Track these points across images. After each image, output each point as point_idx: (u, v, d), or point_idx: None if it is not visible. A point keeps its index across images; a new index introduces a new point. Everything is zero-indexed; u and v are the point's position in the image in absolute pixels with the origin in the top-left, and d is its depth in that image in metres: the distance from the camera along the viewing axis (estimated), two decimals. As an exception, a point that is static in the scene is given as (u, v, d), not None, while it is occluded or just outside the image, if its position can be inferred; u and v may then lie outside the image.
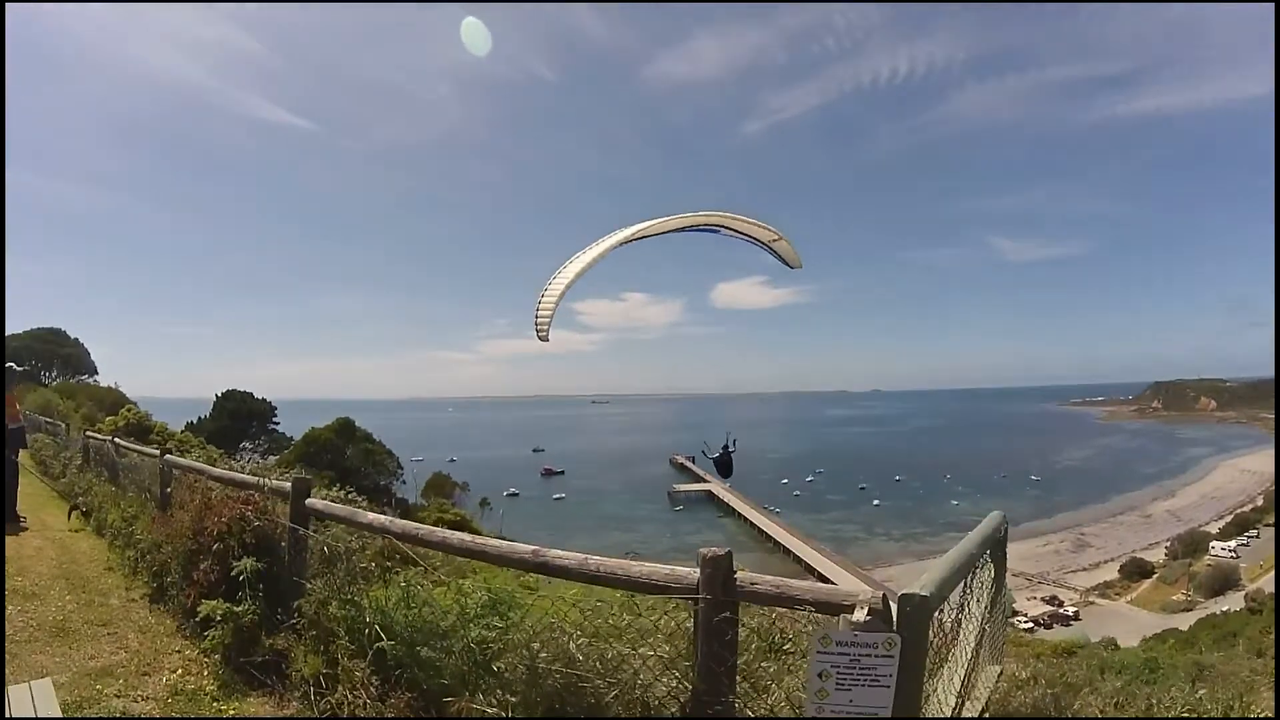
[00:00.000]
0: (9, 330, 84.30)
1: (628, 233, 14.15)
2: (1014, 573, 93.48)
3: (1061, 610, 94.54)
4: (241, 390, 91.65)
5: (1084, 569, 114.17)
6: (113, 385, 70.63)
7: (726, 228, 14.94)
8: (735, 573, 4.86)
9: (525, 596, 6.84)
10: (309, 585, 8.22)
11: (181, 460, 15.07)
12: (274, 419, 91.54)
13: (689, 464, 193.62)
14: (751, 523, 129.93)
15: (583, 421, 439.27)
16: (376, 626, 7.05)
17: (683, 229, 14.89)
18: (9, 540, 14.79)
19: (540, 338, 14.29)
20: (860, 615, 4.12)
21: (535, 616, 6.29)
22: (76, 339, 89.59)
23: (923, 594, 4.09)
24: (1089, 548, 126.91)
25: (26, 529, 16.51)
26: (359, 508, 21.04)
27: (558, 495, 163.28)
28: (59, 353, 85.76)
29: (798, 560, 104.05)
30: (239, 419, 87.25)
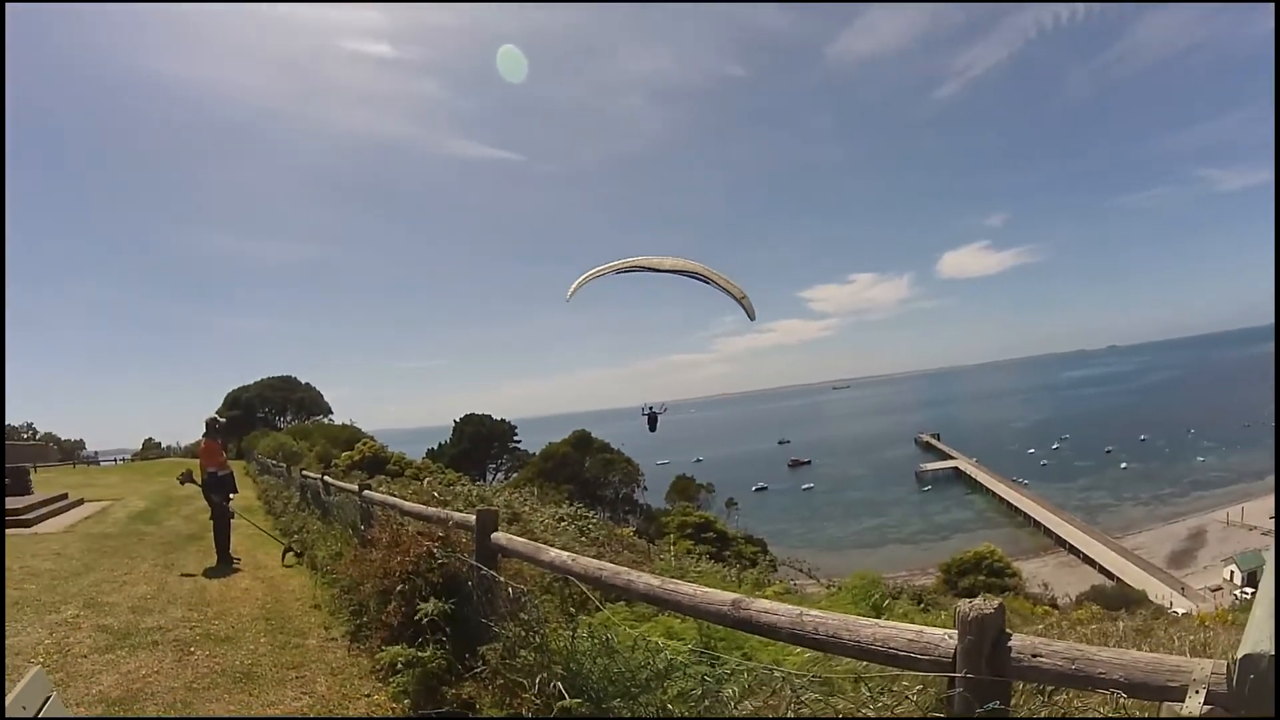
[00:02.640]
0: (243, 383, 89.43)
1: (637, 260, 15.95)
2: (1264, 530, 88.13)
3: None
4: (480, 413, 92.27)
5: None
6: (348, 422, 72.82)
7: (710, 279, 15.96)
8: (1009, 637, 3.36)
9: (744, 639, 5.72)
10: (496, 629, 7.30)
11: (377, 495, 14.90)
12: (515, 438, 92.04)
13: (935, 442, 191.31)
14: (1000, 497, 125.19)
15: (825, 408, 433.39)
16: (559, 683, 6.06)
17: (675, 271, 16.07)
18: (218, 583, 14.99)
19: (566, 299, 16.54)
20: (1195, 704, 2.70)
21: (758, 667, 5.04)
22: (308, 384, 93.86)
23: (1273, 653, 2.59)
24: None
25: (239, 570, 16.54)
26: (589, 523, 20.79)
27: (806, 485, 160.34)
28: (291, 398, 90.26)
29: (1048, 533, 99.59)
30: (479, 441, 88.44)
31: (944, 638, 3.49)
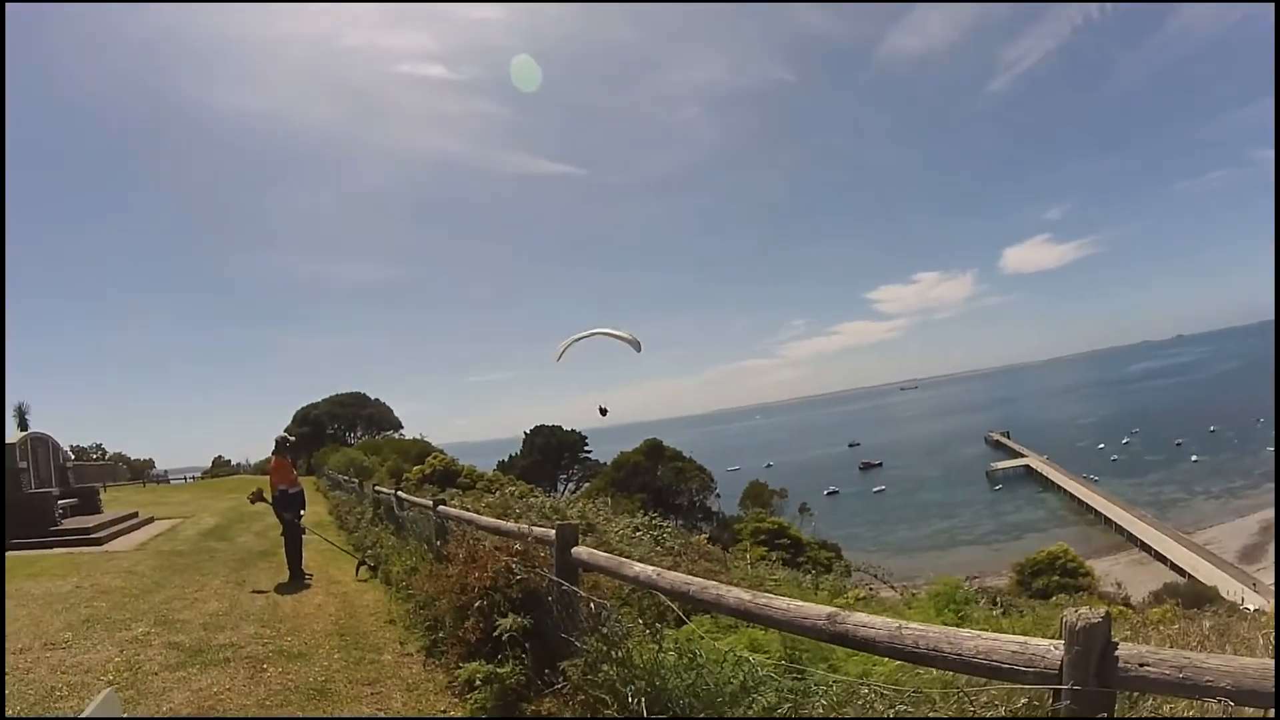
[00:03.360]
0: (312, 400, 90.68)
1: (601, 330, 20.21)
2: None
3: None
4: (550, 425, 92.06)
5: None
6: (418, 436, 73.18)
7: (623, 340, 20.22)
8: (1116, 646, 3.27)
9: (829, 650, 5.65)
10: (577, 644, 7.28)
11: (452, 510, 15.01)
12: (585, 448, 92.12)
13: (1005, 440, 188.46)
14: (1071, 495, 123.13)
15: (894, 410, 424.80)
16: (643, 699, 6.00)
17: (620, 338, 20.27)
18: (290, 599, 15.19)
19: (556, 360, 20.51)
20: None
21: (846, 680, 4.97)
22: (377, 399, 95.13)
23: None
24: None
25: (311, 585, 16.72)
26: (664, 532, 20.73)
27: (878, 488, 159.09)
28: (361, 414, 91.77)
29: (1119, 530, 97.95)
30: (550, 452, 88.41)
31: (1050, 649, 3.40)
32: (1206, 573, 74.36)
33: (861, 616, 4.30)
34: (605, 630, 6.98)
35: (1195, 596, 50.98)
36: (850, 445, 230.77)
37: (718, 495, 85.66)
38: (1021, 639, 3.56)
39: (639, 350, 20.99)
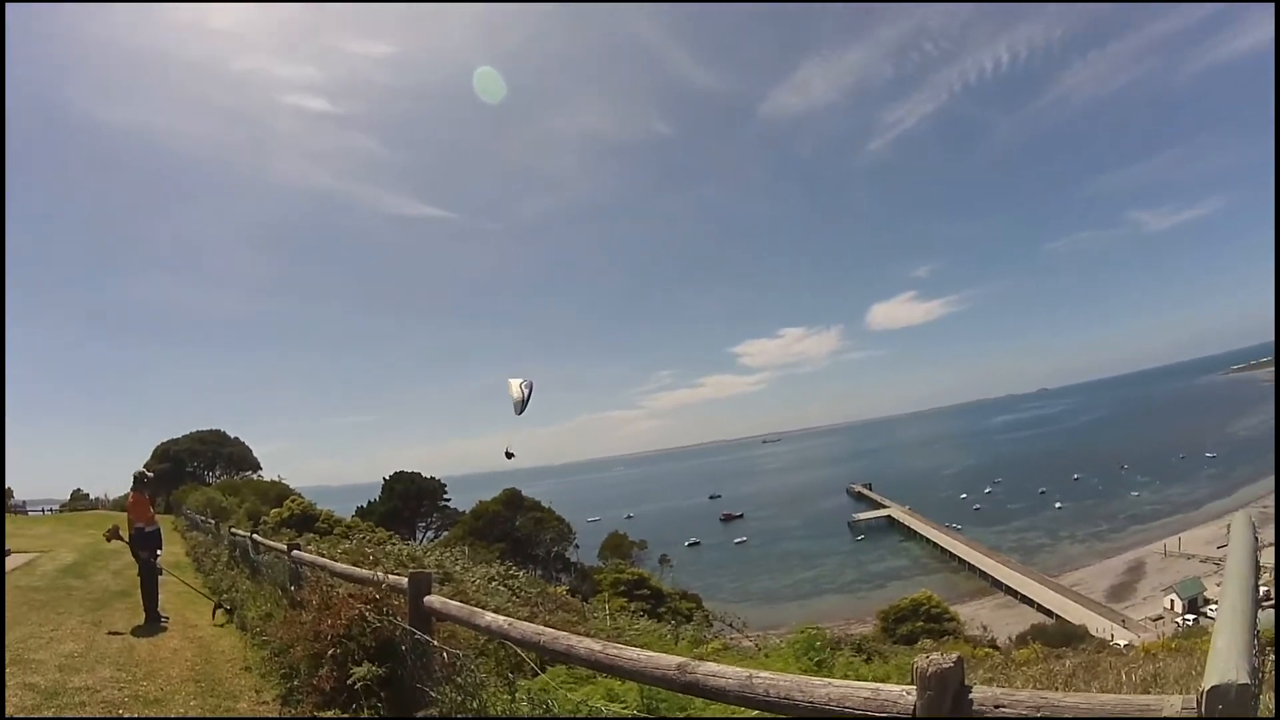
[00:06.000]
0: (173, 435, 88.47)
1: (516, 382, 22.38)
2: (1202, 559, 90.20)
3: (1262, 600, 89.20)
4: (410, 471, 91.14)
5: (1271, 544, 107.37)
6: (277, 478, 71.92)
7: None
8: (970, 690, 3.19)
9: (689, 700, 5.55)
10: (433, 694, 7.12)
11: (306, 556, 14.68)
12: (445, 496, 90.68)
13: (867, 491, 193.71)
14: (934, 543, 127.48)
15: (756, 462, 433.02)
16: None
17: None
18: (147, 642, 14.63)
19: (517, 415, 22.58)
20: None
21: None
22: (237, 438, 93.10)
23: (1241, 682, 2.51)
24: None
25: (166, 629, 16.11)
26: (519, 582, 20.74)
27: (739, 539, 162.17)
28: (221, 452, 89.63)
29: (984, 575, 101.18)
30: (409, 499, 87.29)
31: (902, 694, 3.32)
32: (1075, 613, 76.97)
33: (712, 666, 4.20)
34: (460, 680, 6.87)
35: (1064, 636, 52.52)
36: (711, 497, 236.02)
37: (576, 546, 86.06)
38: (874, 685, 3.47)
39: (519, 413, 21.76)
